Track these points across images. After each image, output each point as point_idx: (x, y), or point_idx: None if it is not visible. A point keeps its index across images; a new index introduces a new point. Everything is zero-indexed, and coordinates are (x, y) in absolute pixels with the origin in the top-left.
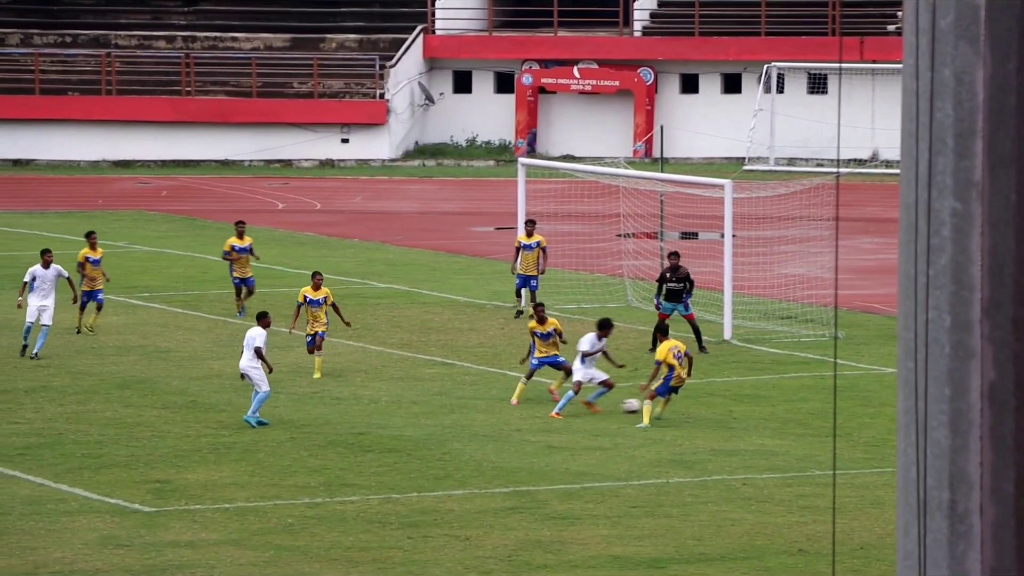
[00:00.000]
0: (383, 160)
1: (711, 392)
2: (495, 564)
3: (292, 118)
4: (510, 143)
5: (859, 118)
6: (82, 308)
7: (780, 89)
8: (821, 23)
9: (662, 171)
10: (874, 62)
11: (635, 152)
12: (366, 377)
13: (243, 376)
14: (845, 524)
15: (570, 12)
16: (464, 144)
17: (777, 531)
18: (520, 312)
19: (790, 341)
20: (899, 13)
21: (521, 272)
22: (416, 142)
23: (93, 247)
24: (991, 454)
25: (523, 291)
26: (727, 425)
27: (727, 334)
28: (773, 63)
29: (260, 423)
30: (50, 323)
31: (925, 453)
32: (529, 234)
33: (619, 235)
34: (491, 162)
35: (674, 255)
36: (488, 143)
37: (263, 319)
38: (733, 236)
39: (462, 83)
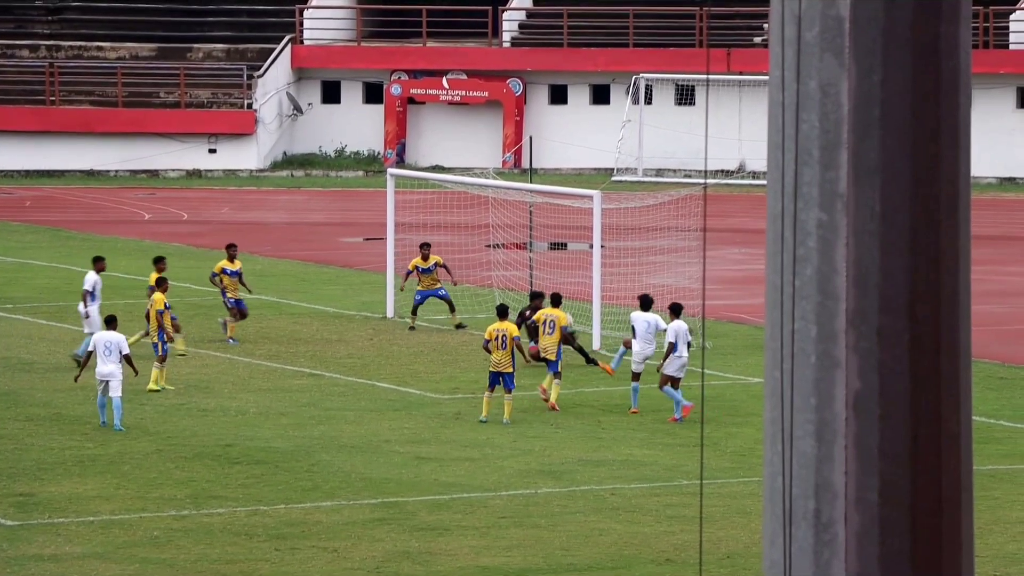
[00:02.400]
0: (251, 170)
1: (579, 402)
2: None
3: (159, 128)
4: (379, 153)
5: (726, 129)
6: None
7: (648, 100)
8: (688, 35)
9: (531, 182)
10: (741, 73)
11: (504, 163)
12: (234, 388)
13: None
14: (712, 533)
15: (439, 23)
16: (333, 154)
17: (645, 541)
18: (413, 328)
19: (658, 351)
20: (765, 25)
21: (421, 288)
22: (284, 152)
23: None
24: (856, 464)
25: (419, 307)
26: (595, 435)
27: (596, 344)
28: (641, 74)
29: (105, 424)
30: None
31: (791, 463)
32: (425, 257)
33: (488, 245)
34: (360, 172)
35: (538, 296)
36: (357, 153)
37: (113, 323)
38: (602, 247)
39: (331, 93)
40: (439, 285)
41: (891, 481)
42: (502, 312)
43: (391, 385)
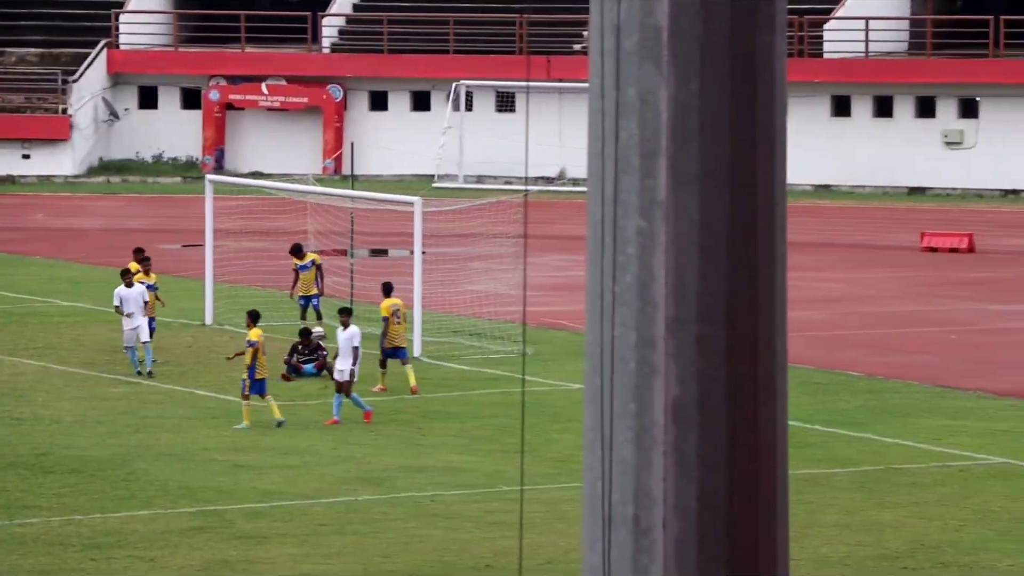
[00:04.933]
0: (66, 176)
1: (400, 409)
2: None
3: None
4: (197, 159)
5: (547, 136)
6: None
7: (469, 107)
8: (509, 42)
9: (352, 188)
10: (561, 81)
11: (324, 169)
12: (48, 396)
13: None
14: (532, 539)
15: (258, 28)
16: (150, 160)
17: (465, 547)
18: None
19: (479, 358)
20: (585, 33)
21: (302, 293)
22: (101, 158)
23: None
24: (674, 470)
25: (308, 311)
26: (416, 442)
27: (417, 351)
28: (462, 81)
29: None
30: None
31: (611, 469)
32: (301, 256)
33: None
34: (178, 179)
35: (306, 332)
36: (175, 159)
37: None
38: (423, 253)
39: (147, 99)
40: (315, 292)
41: (709, 487)
42: (255, 317)
43: (210, 392)
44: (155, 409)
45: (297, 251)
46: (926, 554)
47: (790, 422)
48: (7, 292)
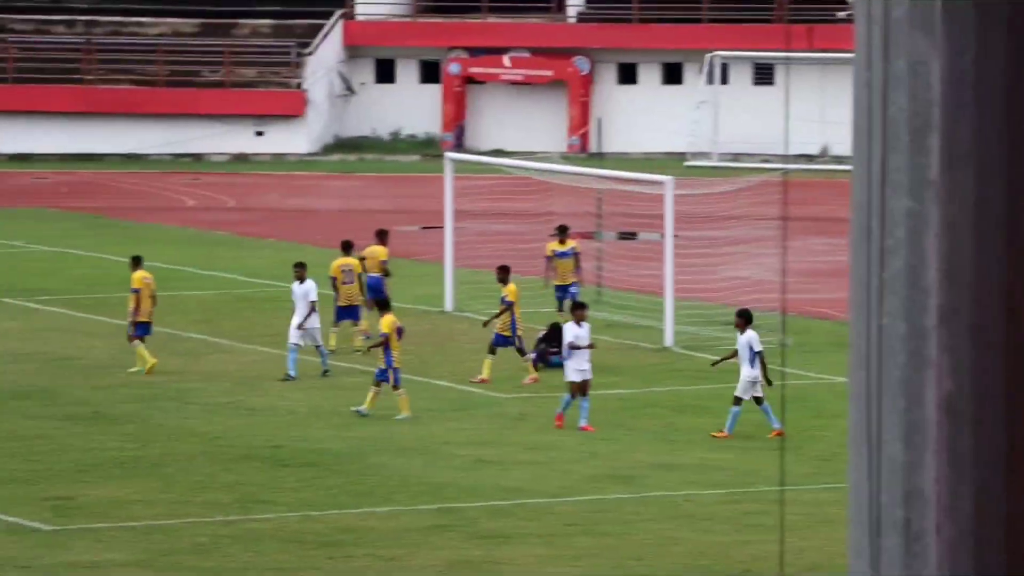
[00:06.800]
0: (300, 154)
1: (651, 403)
2: None
3: (202, 109)
4: (436, 136)
5: (808, 111)
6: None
7: (724, 80)
8: (767, 10)
9: (599, 167)
10: (823, 52)
11: (570, 146)
12: (283, 386)
13: None
14: (793, 543)
15: None
16: (387, 137)
17: (722, 550)
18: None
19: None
20: (850, 0)
21: (558, 282)
22: (336, 135)
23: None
24: (948, 469)
25: (565, 303)
26: (668, 438)
27: (668, 341)
28: (716, 52)
29: None
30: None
31: (878, 468)
32: (562, 241)
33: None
34: (416, 157)
35: (556, 327)
36: (413, 136)
37: None
38: (675, 236)
39: (384, 72)
40: (574, 280)
41: (986, 488)
42: (385, 304)
43: (450, 383)
44: (392, 400)
45: (562, 231)
46: None
47: None
48: (239, 276)
